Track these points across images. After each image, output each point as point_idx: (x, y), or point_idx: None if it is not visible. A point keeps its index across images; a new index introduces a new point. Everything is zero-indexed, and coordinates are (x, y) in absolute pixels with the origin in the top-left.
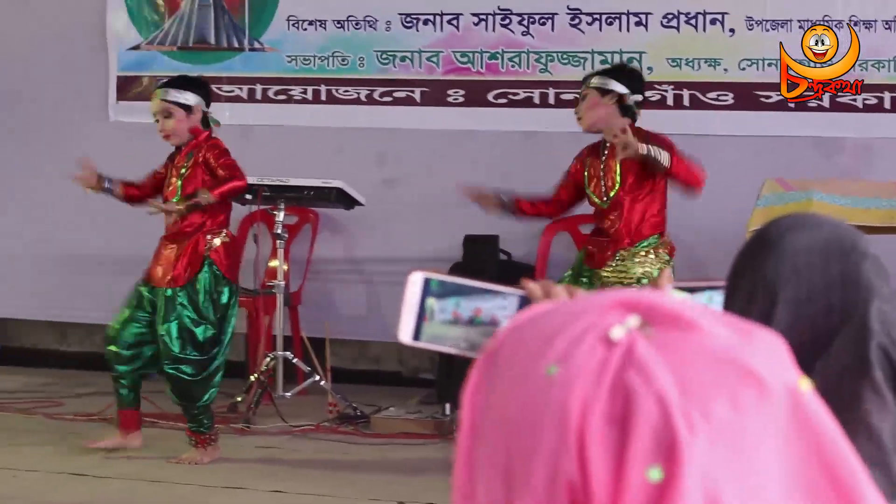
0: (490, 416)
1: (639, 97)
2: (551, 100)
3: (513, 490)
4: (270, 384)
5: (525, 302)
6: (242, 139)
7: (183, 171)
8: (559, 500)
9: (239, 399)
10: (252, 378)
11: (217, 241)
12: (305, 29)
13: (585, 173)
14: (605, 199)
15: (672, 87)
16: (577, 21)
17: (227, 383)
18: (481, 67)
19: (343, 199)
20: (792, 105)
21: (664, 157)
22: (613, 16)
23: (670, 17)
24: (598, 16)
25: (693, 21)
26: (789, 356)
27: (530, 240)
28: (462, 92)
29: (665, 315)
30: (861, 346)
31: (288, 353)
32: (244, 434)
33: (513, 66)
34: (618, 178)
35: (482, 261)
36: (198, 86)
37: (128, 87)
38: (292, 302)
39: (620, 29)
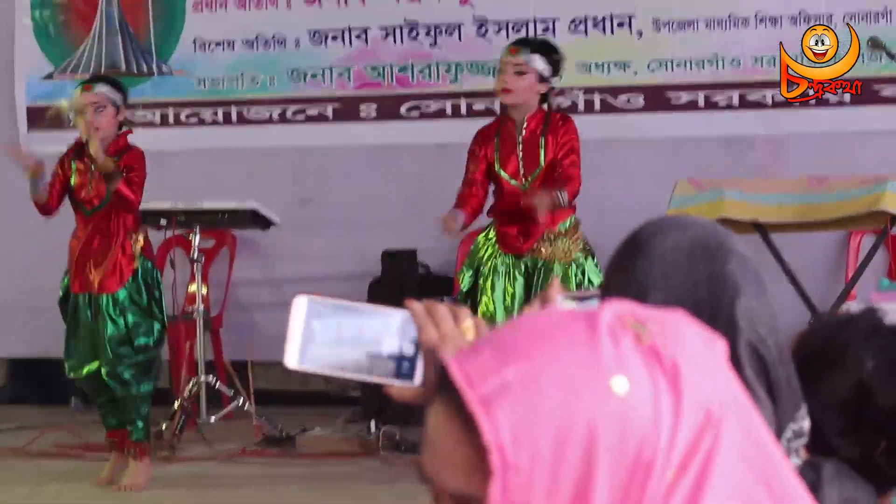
0: (540, 441)
1: (558, 80)
2: (463, 111)
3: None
4: (194, 410)
5: (408, 322)
6: (157, 164)
7: None
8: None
9: (163, 426)
10: (176, 404)
11: (141, 237)
12: (213, 50)
13: (497, 154)
14: (524, 180)
15: (582, 91)
16: (483, 30)
17: (152, 411)
18: (392, 81)
19: (258, 221)
20: (701, 105)
21: (564, 198)
22: (520, 23)
23: (577, 21)
24: (504, 24)
25: (600, 25)
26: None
27: (447, 252)
28: (374, 106)
29: (654, 320)
30: (730, 344)
31: (211, 377)
32: (170, 462)
33: (423, 79)
34: (542, 160)
35: (401, 275)
36: (122, 88)
37: (40, 117)
38: (213, 326)
39: (528, 36)
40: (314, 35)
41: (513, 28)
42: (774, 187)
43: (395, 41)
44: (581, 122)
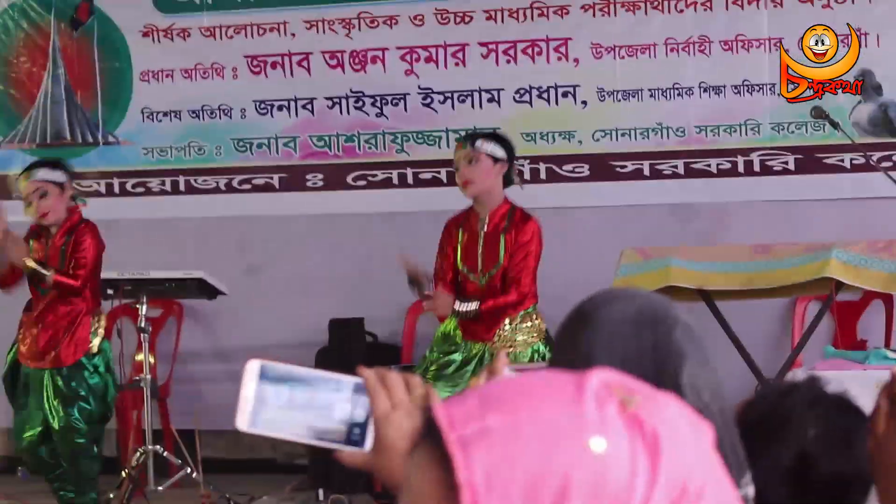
0: (513, 485)
1: (513, 160)
2: (410, 180)
3: None
4: (142, 479)
5: (360, 389)
6: (104, 233)
7: (63, 249)
8: None
9: (111, 496)
10: (123, 473)
11: (102, 319)
12: (160, 120)
13: (458, 247)
14: (481, 277)
15: (528, 161)
16: (429, 100)
17: (99, 479)
18: (338, 150)
19: (205, 290)
20: (647, 174)
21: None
22: (465, 93)
23: (522, 91)
24: (449, 94)
25: (545, 95)
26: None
27: (395, 321)
28: (321, 175)
29: (636, 389)
30: None
31: (158, 446)
32: None
33: (370, 148)
34: (500, 258)
35: (348, 343)
36: (63, 166)
37: None
38: (160, 395)
39: (473, 106)
40: (260, 105)
41: (458, 98)
42: (720, 255)
43: (341, 111)
44: (526, 192)
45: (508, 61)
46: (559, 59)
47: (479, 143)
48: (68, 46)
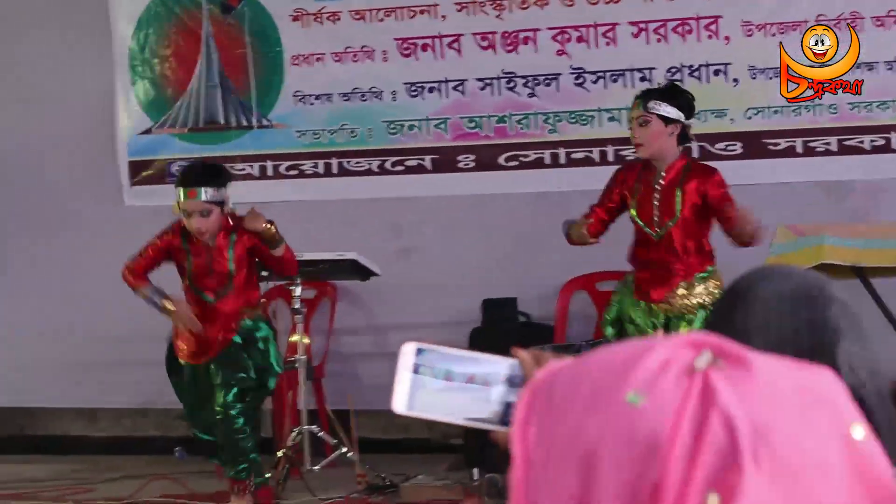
0: (555, 447)
1: (693, 122)
2: (562, 159)
3: None
4: (298, 459)
5: (515, 369)
6: None
7: (231, 249)
8: None
9: (268, 475)
10: (279, 454)
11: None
12: (312, 103)
13: (633, 200)
14: (657, 230)
15: None
16: (581, 80)
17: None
18: (490, 132)
19: (359, 271)
20: (799, 151)
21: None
22: (617, 73)
23: (674, 70)
24: (602, 74)
25: (697, 73)
26: (845, 397)
27: (548, 300)
28: (472, 157)
29: (732, 354)
30: None
31: (314, 426)
32: None
33: (521, 129)
34: (678, 211)
35: (501, 323)
36: (224, 176)
37: (140, 172)
38: (315, 375)
39: (625, 85)
40: (411, 87)
41: (610, 77)
42: (875, 232)
43: (492, 92)
44: None
45: (659, 40)
46: (710, 37)
47: (651, 104)
48: (220, 31)
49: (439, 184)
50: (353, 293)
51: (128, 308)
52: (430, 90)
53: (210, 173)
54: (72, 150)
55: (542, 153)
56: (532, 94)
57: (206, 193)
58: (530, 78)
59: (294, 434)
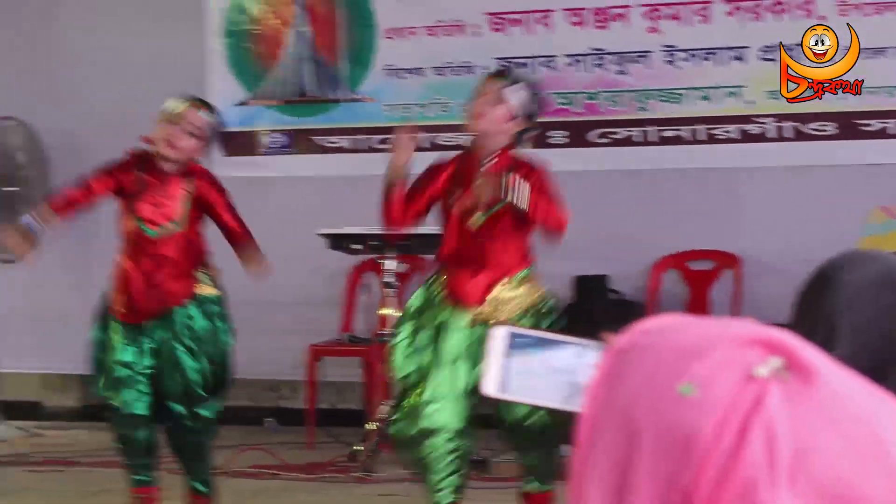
0: (611, 413)
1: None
2: (652, 137)
3: (627, 487)
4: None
5: None
6: (348, 190)
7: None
8: None
9: (358, 448)
10: (370, 426)
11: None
12: (403, 77)
13: (453, 183)
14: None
15: (773, 119)
16: (672, 58)
17: (346, 432)
18: (580, 108)
19: None
20: (892, 132)
21: (523, 200)
22: (710, 51)
23: (767, 49)
24: (694, 52)
25: (792, 52)
26: None
27: (640, 278)
28: (563, 133)
29: (802, 366)
30: None
31: None
32: (364, 482)
33: (611, 106)
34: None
35: (593, 301)
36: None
37: (232, 142)
38: None
39: (718, 64)
40: (502, 63)
41: (703, 56)
42: None
43: (582, 69)
44: (771, 150)
45: (753, 18)
46: (804, 15)
47: (499, 80)
48: (313, 4)
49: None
50: None
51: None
52: (521, 65)
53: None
54: None
55: (633, 131)
56: (621, 72)
57: (208, 116)
58: (620, 55)
59: (385, 407)
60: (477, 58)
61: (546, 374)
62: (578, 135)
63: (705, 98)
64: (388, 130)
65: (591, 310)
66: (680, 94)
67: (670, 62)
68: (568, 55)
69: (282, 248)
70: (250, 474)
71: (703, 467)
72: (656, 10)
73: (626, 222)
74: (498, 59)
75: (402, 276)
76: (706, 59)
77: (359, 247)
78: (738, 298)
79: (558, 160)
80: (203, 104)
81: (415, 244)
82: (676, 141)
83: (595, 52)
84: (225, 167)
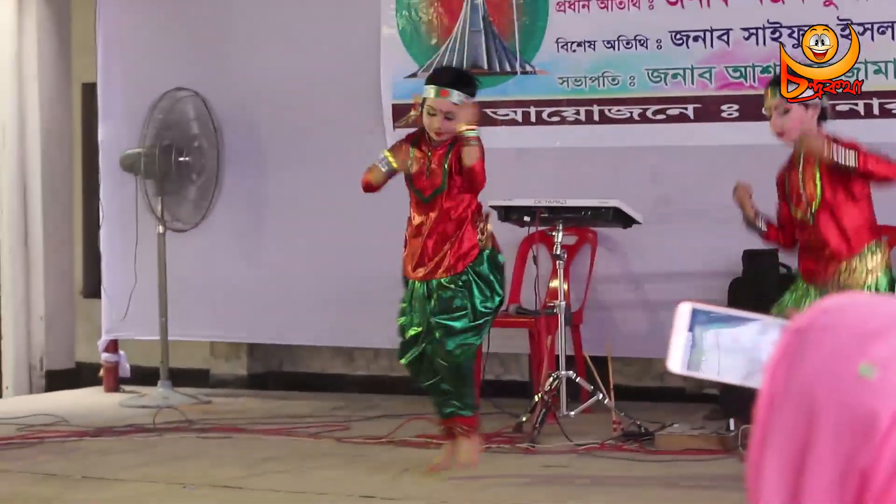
0: (791, 391)
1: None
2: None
3: (805, 466)
4: (554, 403)
5: None
6: (518, 161)
7: (445, 165)
8: (847, 493)
9: (524, 419)
10: (536, 398)
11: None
12: (575, 50)
13: (786, 190)
14: (808, 214)
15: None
16: (848, 32)
17: (512, 403)
18: (754, 82)
19: (620, 218)
20: None
21: (849, 158)
22: (886, 24)
23: None
24: (869, 25)
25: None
26: None
27: None
28: (736, 106)
29: None
30: None
31: (571, 372)
32: (529, 453)
33: None
34: (818, 192)
35: (762, 275)
36: (475, 87)
37: (403, 115)
38: (573, 321)
39: (894, 38)
40: (676, 36)
41: (878, 29)
42: None
43: (757, 42)
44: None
45: None
46: None
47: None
48: None
49: (701, 133)
50: (611, 240)
51: (387, 249)
52: (695, 39)
53: (465, 81)
54: (337, 91)
55: None
56: (797, 45)
57: (457, 97)
58: (796, 28)
59: (551, 379)
60: (650, 31)
61: (728, 351)
62: (751, 108)
63: (880, 72)
64: (560, 103)
65: (759, 283)
66: (855, 68)
67: (845, 36)
68: (743, 28)
69: None
70: (417, 443)
71: (880, 453)
72: None
73: None
74: (671, 31)
75: (570, 249)
76: (882, 32)
77: (528, 219)
78: None
79: (730, 134)
80: (451, 83)
81: (584, 217)
82: (851, 115)
83: (771, 25)
84: (396, 138)
